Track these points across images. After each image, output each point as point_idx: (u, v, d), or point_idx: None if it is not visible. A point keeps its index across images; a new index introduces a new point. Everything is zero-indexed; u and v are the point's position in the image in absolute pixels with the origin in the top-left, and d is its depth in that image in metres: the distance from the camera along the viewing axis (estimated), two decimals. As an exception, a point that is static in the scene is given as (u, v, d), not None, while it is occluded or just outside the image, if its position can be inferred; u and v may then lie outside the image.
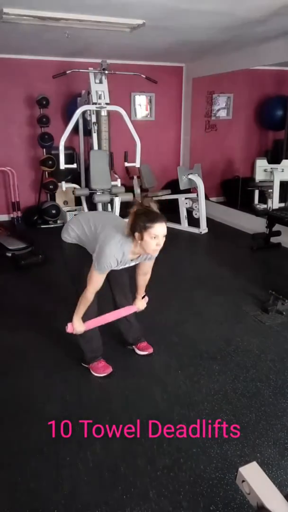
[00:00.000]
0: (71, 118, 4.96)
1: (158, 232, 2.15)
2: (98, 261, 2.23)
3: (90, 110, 5.03)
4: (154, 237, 2.15)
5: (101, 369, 2.64)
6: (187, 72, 6.98)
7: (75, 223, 2.49)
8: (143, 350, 2.87)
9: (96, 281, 2.29)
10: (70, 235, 2.49)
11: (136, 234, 2.16)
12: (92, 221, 2.41)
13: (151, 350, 2.87)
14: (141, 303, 2.69)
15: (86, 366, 2.69)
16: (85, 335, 2.55)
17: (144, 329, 3.20)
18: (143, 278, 2.61)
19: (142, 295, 2.69)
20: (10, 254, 4.70)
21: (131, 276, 2.67)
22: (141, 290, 2.67)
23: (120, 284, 2.67)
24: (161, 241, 2.19)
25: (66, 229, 2.52)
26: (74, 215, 5.89)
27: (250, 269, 4.49)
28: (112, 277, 2.52)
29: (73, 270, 2.60)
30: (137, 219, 2.14)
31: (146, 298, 2.72)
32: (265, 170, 6.22)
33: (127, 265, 2.40)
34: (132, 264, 2.43)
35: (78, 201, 6.18)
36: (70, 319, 2.46)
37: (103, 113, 5.07)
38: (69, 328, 2.46)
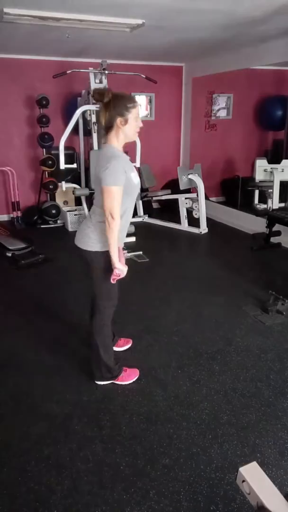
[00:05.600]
0: (71, 118, 4.97)
1: (139, 111, 2.14)
2: (107, 174, 2.05)
3: (90, 110, 5.04)
4: (137, 118, 2.13)
5: (132, 374, 2.59)
6: (187, 72, 6.98)
7: (87, 223, 2.31)
8: (122, 346, 2.92)
9: (118, 198, 2.09)
10: (91, 239, 2.25)
11: (118, 120, 2.08)
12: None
13: (130, 342, 2.96)
14: None
15: (108, 382, 2.54)
16: (106, 343, 2.46)
17: (144, 329, 3.21)
18: None
19: None
20: (10, 254, 4.70)
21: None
22: None
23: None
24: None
25: (86, 235, 2.28)
26: (74, 214, 5.94)
27: (250, 269, 4.49)
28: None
29: (102, 286, 2.34)
30: (116, 104, 2.07)
31: None
32: (265, 170, 6.22)
33: (136, 175, 2.25)
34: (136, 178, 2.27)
35: (78, 201, 6.18)
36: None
37: (103, 113, 5.07)
38: (115, 275, 2.22)
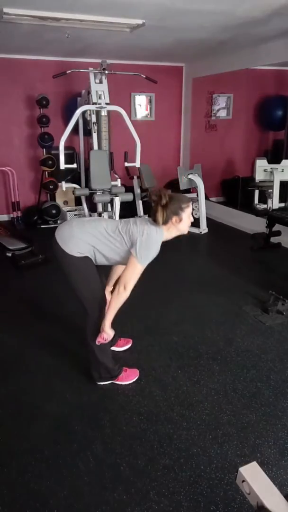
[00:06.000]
0: (71, 118, 4.96)
1: (191, 209, 2.34)
2: (144, 254, 2.22)
3: (90, 110, 5.03)
4: (190, 216, 2.32)
5: (132, 375, 2.60)
6: (187, 72, 6.98)
7: (82, 234, 2.28)
8: (122, 346, 2.92)
9: (138, 276, 2.27)
10: (81, 249, 2.26)
11: (174, 218, 2.25)
12: (101, 226, 2.31)
13: (130, 342, 2.96)
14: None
15: (108, 382, 2.56)
16: (102, 345, 2.45)
17: (144, 329, 3.21)
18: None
19: None
20: (10, 254, 4.70)
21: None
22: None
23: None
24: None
25: (75, 243, 2.26)
26: (74, 214, 5.93)
27: (250, 269, 4.49)
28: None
29: (87, 291, 2.37)
30: (172, 204, 2.24)
31: None
32: (265, 170, 6.22)
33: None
34: None
35: (78, 201, 6.19)
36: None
37: (103, 113, 5.07)
38: (101, 338, 2.32)
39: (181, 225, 2.30)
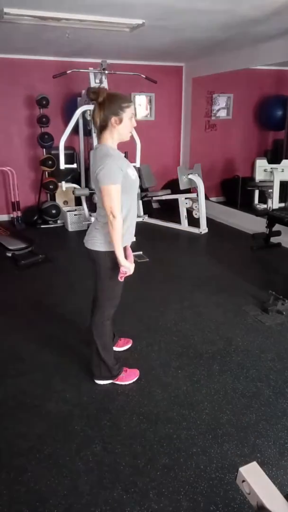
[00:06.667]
0: (71, 118, 4.97)
1: (133, 110, 2.15)
2: (106, 175, 2.06)
3: (90, 110, 5.03)
4: (131, 117, 2.14)
5: (132, 375, 2.60)
6: (187, 72, 6.98)
7: (95, 225, 2.30)
8: (122, 346, 2.92)
9: (117, 196, 2.09)
10: (98, 239, 2.25)
11: (113, 119, 2.09)
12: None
13: (130, 342, 2.97)
14: None
15: (108, 382, 2.56)
16: (106, 342, 2.47)
17: (144, 329, 3.21)
18: None
19: None
20: (10, 254, 4.70)
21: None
22: None
23: None
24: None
25: (93, 236, 2.29)
26: (74, 214, 5.94)
27: (250, 269, 4.49)
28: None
29: (105, 285, 2.35)
30: (110, 103, 2.08)
31: None
32: (265, 170, 6.23)
33: (134, 171, 2.24)
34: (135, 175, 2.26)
35: (78, 201, 6.19)
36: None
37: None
38: (122, 273, 2.23)
39: (121, 128, 2.12)
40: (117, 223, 2.12)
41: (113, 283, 2.33)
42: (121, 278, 2.28)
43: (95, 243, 2.28)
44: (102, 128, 2.16)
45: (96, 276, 2.38)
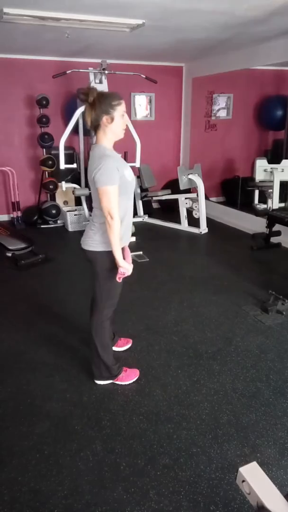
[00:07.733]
0: (71, 118, 4.97)
1: (124, 107, 2.14)
2: (103, 175, 2.06)
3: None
4: (123, 115, 2.14)
5: (131, 375, 2.59)
6: (187, 72, 6.98)
7: (91, 226, 2.32)
8: (122, 346, 2.92)
9: (115, 197, 2.09)
10: (94, 240, 2.27)
11: (104, 119, 2.10)
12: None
13: (130, 342, 2.96)
14: None
15: (108, 382, 2.55)
16: (104, 342, 2.46)
17: (144, 329, 3.21)
18: None
19: None
20: (10, 254, 4.70)
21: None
22: None
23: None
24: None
25: (90, 236, 2.30)
26: (74, 214, 5.93)
27: (250, 269, 4.49)
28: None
29: (103, 285, 2.36)
30: (101, 103, 2.08)
31: None
32: (265, 170, 6.22)
33: (130, 172, 2.25)
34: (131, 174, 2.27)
35: (78, 201, 6.19)
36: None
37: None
38: (120, 274, 2.24)
39: (114, 126, 2.12)
40: (115, 224, 2.13)
41: (111, 283, 2.33)
42: (119, 279, 2.28)
43: (92, 243, 2.29)
44: (95, 128, 2.17)
45: (93, 277, 2.38)
